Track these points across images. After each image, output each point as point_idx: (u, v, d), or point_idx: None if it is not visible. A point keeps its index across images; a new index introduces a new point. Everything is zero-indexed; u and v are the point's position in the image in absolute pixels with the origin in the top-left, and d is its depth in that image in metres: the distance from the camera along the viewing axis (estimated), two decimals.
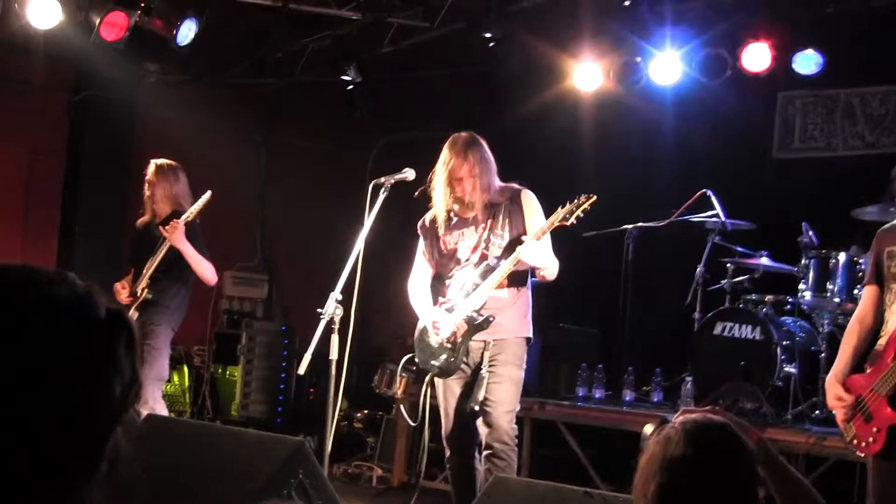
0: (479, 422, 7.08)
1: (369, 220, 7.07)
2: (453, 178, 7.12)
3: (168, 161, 9.09)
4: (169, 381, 11.52)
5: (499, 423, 7.03)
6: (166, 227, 8.65)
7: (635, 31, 10.14)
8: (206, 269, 8.83)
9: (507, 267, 7.01)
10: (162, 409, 8.69)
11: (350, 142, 12.56)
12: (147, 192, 9.03)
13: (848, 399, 5.67)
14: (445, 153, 7.18)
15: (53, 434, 1.63)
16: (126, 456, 1.76)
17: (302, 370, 6.85)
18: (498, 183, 7.23)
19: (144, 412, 8.14)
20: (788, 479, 3.43)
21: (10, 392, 1.60)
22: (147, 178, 9.04)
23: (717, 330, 9.33)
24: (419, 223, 7.53)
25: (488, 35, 9.97)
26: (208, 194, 8.67)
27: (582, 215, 6.96)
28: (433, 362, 7.26)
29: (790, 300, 9.39)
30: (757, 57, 10.10)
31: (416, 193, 7.31)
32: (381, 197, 7.13)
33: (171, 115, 12.20)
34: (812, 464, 8.06)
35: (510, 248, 7.02)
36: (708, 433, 3.07)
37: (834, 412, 5.86)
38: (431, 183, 7.26)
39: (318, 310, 6.75)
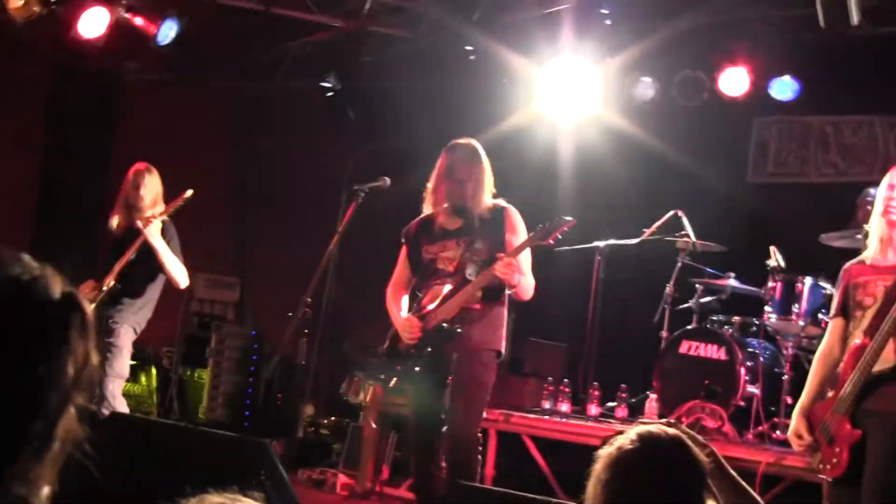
0: (444, 430, 7.13)
1: (342, 226, 7.13)
2: (456, 179, 7.21)
3: (150, 166, 9.01)
4: (136, 381, 11.52)
5: (463, 433, 7.08)
6: (143, 223, 8.56)
7: (614, 50, 10.22)
8: (177, 271, 8.69)
9: (479, 282, 7.08)
10: (122, 407, 8.62)
11: (328, 148, 12.59)
12: (130, 196, 8.93)
13: (807, 438, 5.77)
14: (448, 154, 7.28)
15: (4, 410, 1.65)
16: (82, 446, 1.78)
17: (269, 372, 6.89)
18: (489, 198, 7.32)
19: (105, 410, 8.17)
20: (739, 492, 3.50)
21: None
22: (130, 181, 8.94)
23: (683, 348, 9.41)
24: (404, 230, 7.60)
25: (469, 48, 10.04)
26: (189, 192, 8.62)
27: (560, 236, 7.05)
28: (400, 369, 7.32)
29: (756, 322, 9.52)
30: (734, 81, 10.22)
31: (424, 200, 7.36)
32: (355, 204, 7.20)
33: (150, 114, 12.22)
34: (770, 483, 8.12)
35: (487, 264, 7.08)
36: (660, 443, 3.12)
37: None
38: (429, 185, 7.35)
39: (290, 313, 6.80)
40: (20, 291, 1.72)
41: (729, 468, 3.56)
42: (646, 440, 3.13)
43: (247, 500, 2.17)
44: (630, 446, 3.11)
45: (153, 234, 8.52)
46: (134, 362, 10.25)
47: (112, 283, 8.65)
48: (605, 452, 3.17)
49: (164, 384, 12.05)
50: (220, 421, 11.58)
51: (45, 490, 1.75)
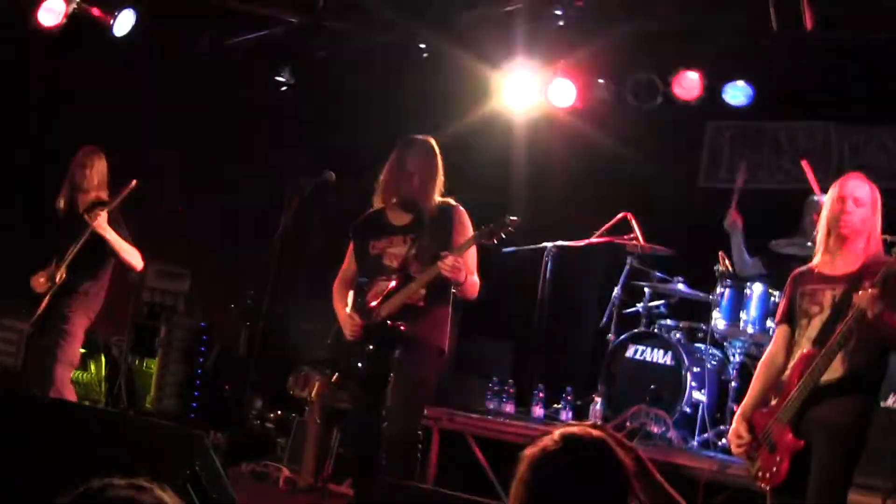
0: (384, 426, 7.11)
1: (285, 220, 7.11)
2: (407, 171, 7.20)
3: (98, 147, 9.05)
4: (86, 370, 11.47)
5: (402, 430, 7.06)
6: (89, 215, 8.59)
7: (565, 51, 10.23)
8: (132, 256, 8.78)
9: (423, 279, 7.08)
10: (70, 395, 8.66)
11: (280, 143, 12.55)
12: (77, 176, 8.95)
13: (746, 438, 5.77)
14: (401, 148, 7.29)
15: None
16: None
17: (204, 362, 6.87)
18: (438, 196, 7.31)
19: (53, 395, 8.14)
20: (664, 497, 3.49)
21: None
22: (78, 161, 8.96)
23: (630, 352, 9.43)
24: (352, 225, 7.58)
25: (422, 46, 10.02)
26: (133, 183, 8.61)
27: (504, 236, 7.04)
28: (342, 363, 7.31)
29: (703, 327, 9.50)
30: (688, 85, 10.24)
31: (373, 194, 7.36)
32: (298, 198, 7.18)
33: (103, 101, 12.14)
34: (713, 491, 8.10)
35: (432, 261, 7.07)
36: (582, 444, 3.11)
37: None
38: (380, 178, 7.35)
39: (231, 305, 6.77)
40: None
41: (655, 472, 3.55)
42: (569, 441, 3.12)
43: (151, 486, 2.15)
44: (553, 447, 3.10)
45: (102, 226, 8.52)
46: (83, 350, 10.21)
47: (63, 275, 8.66)
48: (528, 452, 3.16)
49: (112, 373, 12.00)
50: (167, 411, 11.56)
51: None
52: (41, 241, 9.63)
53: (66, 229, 8.91)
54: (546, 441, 3.15)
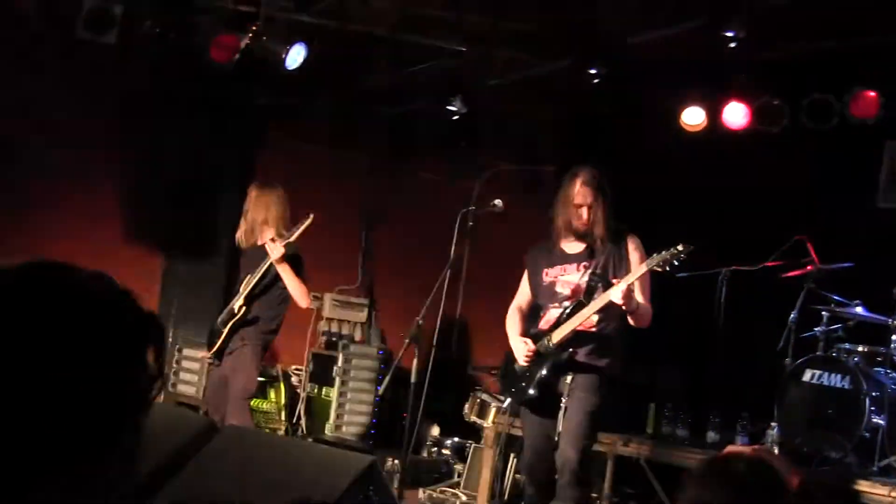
0: (557, 452, 7.15)
1: (456, 248, 7.22)
2: (575, 204, 7.28)
3: (270, 184, 9.30)
4: (265, 398, 11.75)
5: (575, 454, 7.10)
6: (269, 246, 8.81)
7: (737, 72, 10.14)
8: (300, 294, 9.00)
9: (596, 306, 7.12)
10: (249, 422, 8.88)
11: (454, 172, 12.69)
12: (250, 213, 9.22)
13: None
14: (571, 181, 7.35)
15: (74, 420, 1.72)
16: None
17: (381, 390, 6.99)
18: (610, 223, 7.37)
19: (232, 422, 8.36)
20: None
21: (40, 379, 1.70)
22: (253, 197, 9.24)
23: (807, 377, 9.25)
24: (527, 253, 7.68)
25: (593, 71, 10.02)
26: (311, 217, 8.81)
27: (676, 263, 7.03)
28: (514, 389, 7.38)
29: (883, 350, 9.28)
30: (865, 104, 10.06)
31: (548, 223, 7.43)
32: (470, 226, 7.29)
33: (282, 140, 12.46)
34: None
35: (605, 289, 7.10)
36: (745, 463, 3.13)
37: None
38: (552, 209, 7.44)
39: (402, 333, 6.90)
40: (103, 310, 1.80)
41: (822, 495, 3.54)
42: (732, 460, 3.14)
43: None
44: (717, 466, 3.13)
45: (279, 260, 8.73)
46: (263, 379, 10.48)
47: (241, 305, 8.91)
48: (693, 472, 3.19)
49: (292, 401, 12.27)
50: (345, 438, 11.77)
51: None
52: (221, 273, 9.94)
53: (247, 263, 9.17)
54: (710, 460, 3.17)
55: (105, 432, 1.78)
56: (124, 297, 1.85)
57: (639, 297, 7.12)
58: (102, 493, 1.81)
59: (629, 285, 6.97)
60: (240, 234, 9.27)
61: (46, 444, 1.71)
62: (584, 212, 7.32)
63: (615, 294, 6.95)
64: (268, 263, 8.83)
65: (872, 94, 10.04)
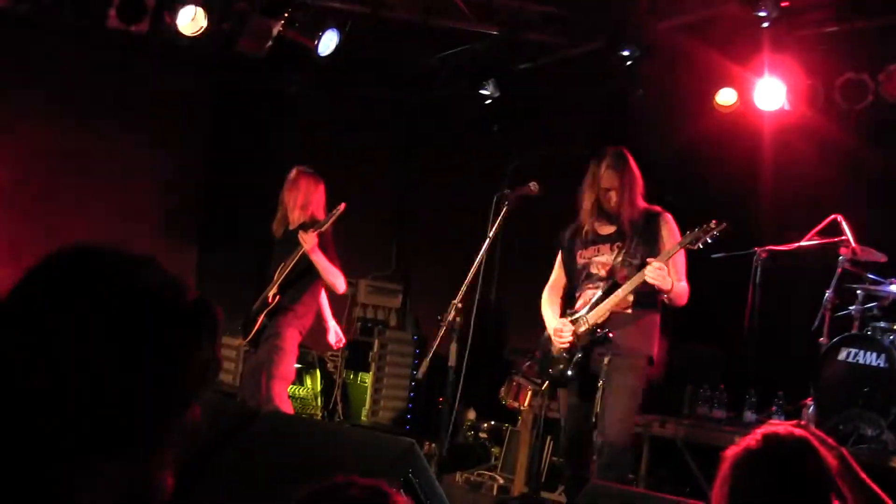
0: (595, 434, 7.16)
1: (492, 231, 7.23)
2: (602, 188, 7.29)
3: (308, 169, 9.31)
4: (302, 384, 11.80)
5: (613, 438, 7.11)
6: (300, 236, 8.84)
7: (769, 52, 10.09)
8: (336, 280, 9.00)
9: (630, 287, 7.12)
10: (287, 408, 8.92)
11: (486, 156, 12.69)
12: (285, 200, 9.25)
13: None
14: (596, 164, 7.35)
15: (129, 405, 1.77)
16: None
17: (420, 374, 7.02)
18: (641, 203, 7.37)
19: (269, 409, 8.40)
20: (869, 495, 3.48)
21: (91, 363, 1.74)
22: (288, 183, 9.26)
23: (842, 356, 9.22)
24: (559, 235, 7.69)
25: (625, 53, 9.98)
26: (342, 206, 8.82)
27: (710, 241, 7.03)
28: (551, 371, 7.39)
29: None
30: None
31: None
32: (506, 209, 7.29)
33: (313, 124, 12.49)
34: None
35: (639, 269, 7.11)
36: (784, 442, 3.14)
37: None
38: (580, 194, 7.44)
39: (438, 317, 6.92)
40: (155, 296, 1.84)
41: (861, 471, 3.54)
42: (771, 441, 3.15)
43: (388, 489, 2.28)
44: (755, 446, 3.14)
45: (312, 249, 8.75)
46: (300, 366, 10.52)
47: (275, 293, 8.95)
48: (730, 452, 3.20)
49: (328, 387, 12.32)
50: (381, 423, 11.81)
51: (168, 479, 1.88)
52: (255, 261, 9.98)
53: (280, 250, 9.20)
54: (748, 440, 3.19)
55: (167, 413, 1.82)
56: (176, 283, 1.88)
57: (673, 276, 7.11)
58: (165, 468, 1.85)
59: (662, 264, 6.98)
60: (276, 222, 9.31)
61: (108, 425, 1.75)
62: (613, 195, 7.32)
63: (649, 274, 6.96)
64: (301, 252, 8.85)
65: None
